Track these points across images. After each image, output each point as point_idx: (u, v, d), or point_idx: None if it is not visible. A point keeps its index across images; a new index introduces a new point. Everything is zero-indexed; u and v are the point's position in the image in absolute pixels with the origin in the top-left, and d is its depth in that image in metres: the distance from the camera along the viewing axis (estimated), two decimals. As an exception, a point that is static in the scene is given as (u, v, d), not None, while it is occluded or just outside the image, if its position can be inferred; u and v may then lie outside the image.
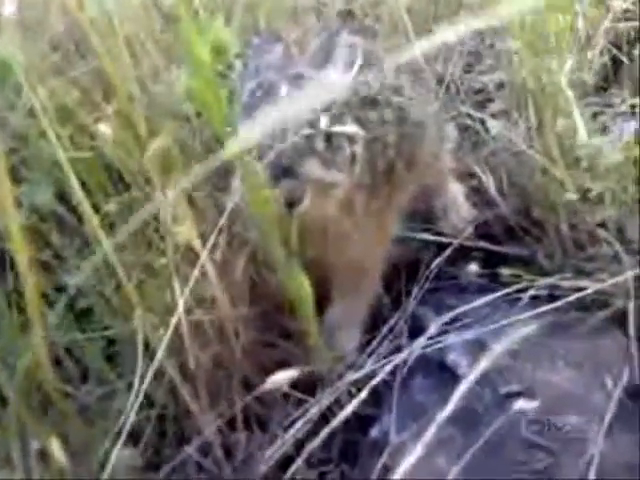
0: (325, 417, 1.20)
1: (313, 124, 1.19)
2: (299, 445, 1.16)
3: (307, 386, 1.28)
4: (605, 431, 1.13)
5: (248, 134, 1.03)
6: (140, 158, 1.05)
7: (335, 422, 1.13)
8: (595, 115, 1.67)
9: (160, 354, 0.97)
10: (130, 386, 1.07)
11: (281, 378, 1.12)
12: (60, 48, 1.20)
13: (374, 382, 1.19)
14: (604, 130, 1.65)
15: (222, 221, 1.07)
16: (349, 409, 1.12)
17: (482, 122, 1.70)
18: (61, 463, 0.93)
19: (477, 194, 1.64)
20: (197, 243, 1.03)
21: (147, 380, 1.02)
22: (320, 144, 1.20)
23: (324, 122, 1.21)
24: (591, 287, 1.32)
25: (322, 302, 1.40)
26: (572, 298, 1.30)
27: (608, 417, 1.15)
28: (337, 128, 1.22)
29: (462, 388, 1.07)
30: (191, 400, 1.09)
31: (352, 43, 1.35)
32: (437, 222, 1.60)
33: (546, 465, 1.11)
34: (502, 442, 1.14)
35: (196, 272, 1.01)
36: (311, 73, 1.27)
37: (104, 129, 1.02)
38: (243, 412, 1.19)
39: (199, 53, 0.90)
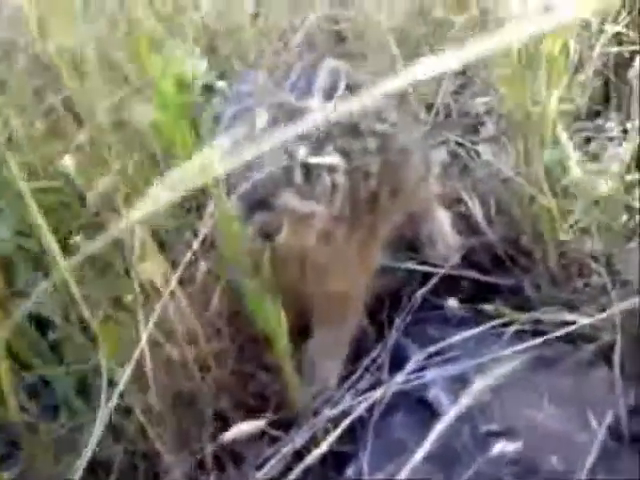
0: (300, 454, 1.17)
1: (291, 154, 1.16)
2: None
3: (282, 422, 1.25)
4: (587, 474, 1.09)
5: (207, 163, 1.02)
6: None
7: (309, 460, 1.10)
8: (588, 140, 1.64)
9: (120, 388, 0.94)
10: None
11: (246, 428, 1.09)
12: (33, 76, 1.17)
13: (350, 419, 1.16)
14: (594, 157, 1.62)
15: (189, 254, 1.04)
16: (323, 447, 1.08)
17: (471, 148, 1.67)
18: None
19: (464, 221, 1.61)
20: (160, 279, 1.00)
21: (109, 414, 0.98)
22: (298, 175, 1.17)
23: (302, 153, 1.18)
24: (578, 321, 1.29)
25: (305, 333, 1.37)
26: (558, 333, 1.27)
27: (590, 460, 1.11)
28: (316, 159, 1.19)
29: (440, 427, 1.03)
30: (157, 439, 1.06)
31: (335, 69, 1.32)
32: (423, 250, 1.56)
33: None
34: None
35: (158, 306, 0.97)
36: (292, 101, 1.25)
37: (68, 162, 0.99)
38: (215, 450, 1.15)
39: (163, 86, 0.87)
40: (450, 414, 1.05)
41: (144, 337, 0.96)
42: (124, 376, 0.94)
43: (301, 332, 1.36)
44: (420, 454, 0.98)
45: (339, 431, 1.10)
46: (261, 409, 1.27)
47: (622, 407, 1.17)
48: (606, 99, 1.81)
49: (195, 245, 1.05)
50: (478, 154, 1.68)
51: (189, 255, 1.03)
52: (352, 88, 1.36)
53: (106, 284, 1.05)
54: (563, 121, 1.54)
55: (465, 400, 1.11)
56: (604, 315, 1.25)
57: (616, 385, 1.20)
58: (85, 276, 1.04)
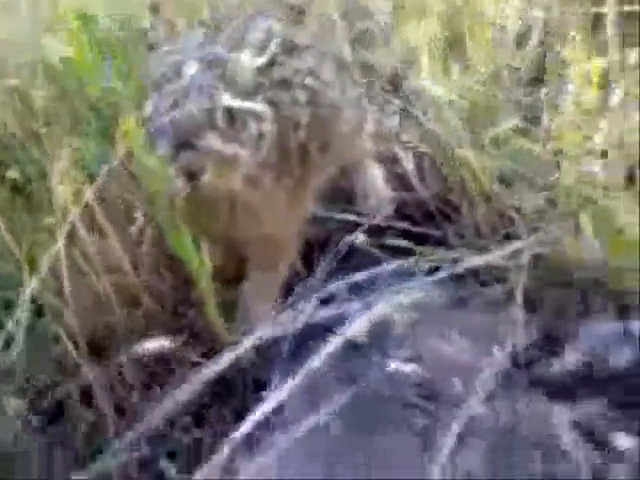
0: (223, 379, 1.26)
1: (214, 98, 1.25)
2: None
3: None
4: (485, 396, 1.18)
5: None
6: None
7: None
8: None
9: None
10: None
11: (152, 346, 1.18)
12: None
13: (263, 344, 1.24)
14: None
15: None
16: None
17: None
18: None
19: (398, 177, 1.69)
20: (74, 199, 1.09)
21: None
22: (221, 119, 1.25)
23: (226, 98, 1.27)
24: (488, 259, 1.37)
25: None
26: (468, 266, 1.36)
27: (489, 384, 1.19)
28: (239, 104, 1.27)
29: (340, 339, 1.12)
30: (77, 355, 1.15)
31: (268, 28, 1.41)
32: (356, 202, 1.65)
33: (423, 424, 1.16)
34: (384, 401, 1.18)
35: (68, 221, 1.05)
36: (223, 54, 1.33)
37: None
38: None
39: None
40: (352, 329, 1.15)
41: (62, 251, 1.04)
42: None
43: (239, 272, 1.44)
44: (316, 363, 1.07)
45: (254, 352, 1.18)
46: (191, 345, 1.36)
47: (520, 339, 1.25)
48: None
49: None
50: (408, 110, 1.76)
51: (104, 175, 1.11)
52: (287, 46, 1.45)
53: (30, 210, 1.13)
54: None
55: (368, 317, 1.20)
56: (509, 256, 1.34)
57: (518, 320, 1.27)
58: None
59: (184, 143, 1.22)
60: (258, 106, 1.32)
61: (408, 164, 1.68)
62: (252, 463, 1.13)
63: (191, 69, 1.29)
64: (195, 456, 1.16)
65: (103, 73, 1.08)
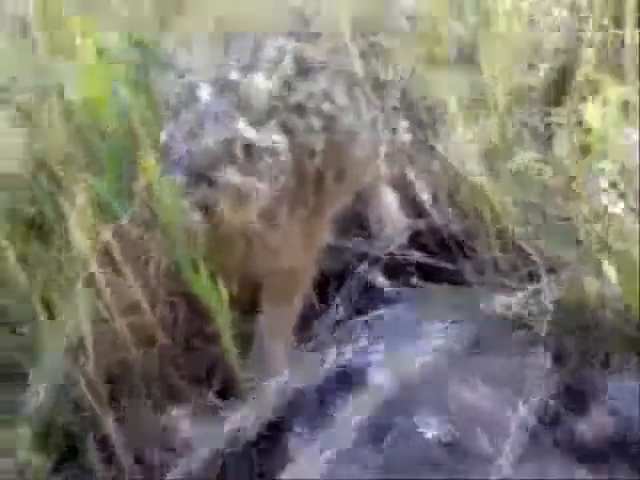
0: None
1: (232, 130, 1.20)
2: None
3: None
4: (512, 453, 1.17)
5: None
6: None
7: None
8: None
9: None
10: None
11: (177, 414, 1.14)
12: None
13: (290, 393, 1.22)
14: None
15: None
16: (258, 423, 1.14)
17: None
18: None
19: (412, 202, 1.66)
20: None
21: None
22: (239, 151, 1.20)
23: (242, 128, 1.22)
24: (511, 303, 1.36)
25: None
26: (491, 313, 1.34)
27: (515, 439, 1.18)
28: (258, 136, 1.23)
29: (372, 403, 1.10)
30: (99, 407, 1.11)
31: (280, 46, 1.35)
32: (370, 230, 1.61)
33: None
34: (410, 462, 1.16)
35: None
36: (236, 78, 1.28)
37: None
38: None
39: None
40: (384, 391, 1.12)
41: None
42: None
43: (254, 302, 1.41)
44: (353, 425, 1.05)
45: (278, 404, 1.15)
46: (207, 381, 1.33)
47: (545, 390, 1.24)
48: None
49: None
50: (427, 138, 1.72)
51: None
52: (301, 66, 1.39)
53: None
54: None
55: (401, 379, 1.18)
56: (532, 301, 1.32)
57: (544, 368, 1.26)
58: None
59: (200, 176, 1.18)
60: (274, 137, 1.27)
61: (422, 190, 1.65)
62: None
63: (205, 93, 1.24)
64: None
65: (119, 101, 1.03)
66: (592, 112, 1.65)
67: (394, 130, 1.72)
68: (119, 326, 1.21)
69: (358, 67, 1.63)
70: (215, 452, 1.20)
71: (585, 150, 1.61)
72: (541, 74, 1.76)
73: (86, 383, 1.14)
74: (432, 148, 1.63)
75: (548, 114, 1.75)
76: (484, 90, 1.60)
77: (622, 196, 1.45)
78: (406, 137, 1.71)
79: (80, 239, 1.11)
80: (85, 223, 1.13)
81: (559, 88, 1.82)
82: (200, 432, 1.18)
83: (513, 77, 1.68)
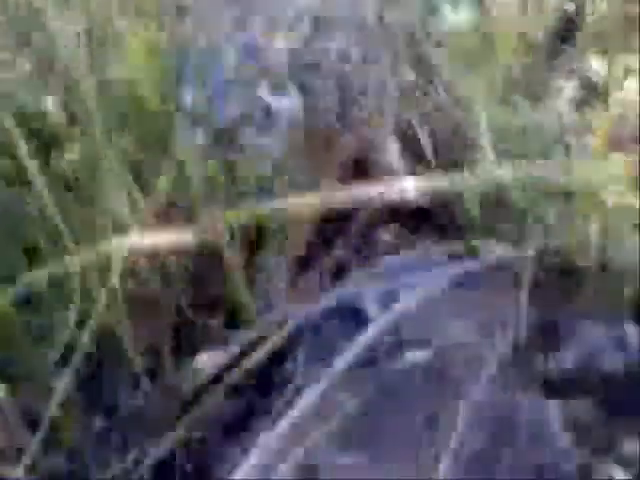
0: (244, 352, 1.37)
1: (253, 93, 1.31)
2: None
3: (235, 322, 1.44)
4: (486, 381, 1.30)
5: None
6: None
7: (252, 359, 1.30)
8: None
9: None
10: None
11: (207, 359, 1.28)
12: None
13: (292, 323, 1.35)
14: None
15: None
16: (266, 348, 1.27)
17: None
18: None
19: (414, 151, 1.76)
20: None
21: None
22: (259, 112, 1.31)
23: (265, 90, 1.32)
24: (497, 251, 1.47)
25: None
26: (481, 260, 1.46)
27: (490, 370, 1.31)
28: (277, 98, 1.33)
29: (366, 334, 1.24)
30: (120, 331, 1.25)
31: (298, 6, 1.45)
32: (374, 178, 1.72)
33: (430, 407, 1.29)
34: (395, 385, 1.30)
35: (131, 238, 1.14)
36: (257, 41, 1.37)
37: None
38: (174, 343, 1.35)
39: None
40: (374, 325, 1.25)
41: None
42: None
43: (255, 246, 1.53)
44: (345, 358, 1.19)
45: (281, 335, 1.29)
46: (215, 310, 1.47)
47: (522, 327, 1.36)
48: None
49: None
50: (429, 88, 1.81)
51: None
52: (317, 24, 1.49)
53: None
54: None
55: (390, 315, 1.31)
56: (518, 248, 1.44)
57: (521, 308, 1.39)
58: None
59: (221, 137, 1.29)
60: (293, 100, 1.37)
61: (424, 138, 1.75)
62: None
63: (227, 57, 1.34)
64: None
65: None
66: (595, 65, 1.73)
67: (400, 79, 1.82)
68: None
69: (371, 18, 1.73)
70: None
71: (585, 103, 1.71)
72: (546, 23, 1.84)
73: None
74: (436, 95, 1.73)
75: (551, 65, 1.83)
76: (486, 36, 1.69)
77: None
78: (411, 85, 1.82)
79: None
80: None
81: (563, 39, 1.90)
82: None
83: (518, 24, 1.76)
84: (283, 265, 1.51)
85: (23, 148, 1.10)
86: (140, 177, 1.26)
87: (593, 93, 1.76)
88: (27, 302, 1.27)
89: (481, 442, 1.21)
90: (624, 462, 1.13)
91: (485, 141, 1.58)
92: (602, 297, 1.40)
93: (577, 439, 1.19)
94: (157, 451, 1.19)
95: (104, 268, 1.12)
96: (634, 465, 1.12)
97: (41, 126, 1.22)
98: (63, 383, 1.11)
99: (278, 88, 1.34)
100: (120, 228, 1.17)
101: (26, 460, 0.99)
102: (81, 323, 1.15)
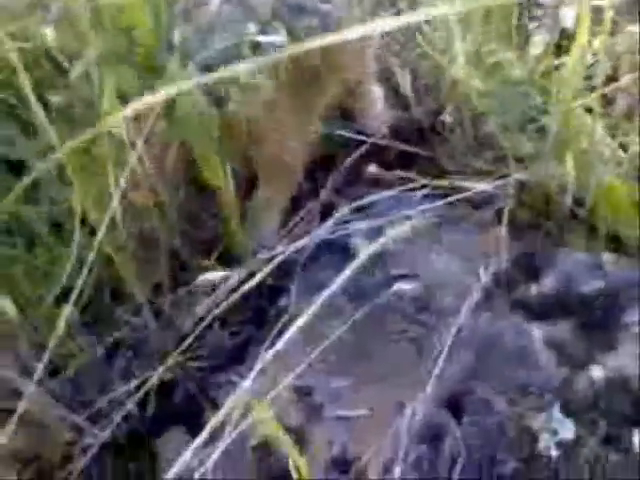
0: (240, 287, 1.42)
1: (241, 32, 1.34)
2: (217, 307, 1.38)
3: (228, 261, 1.49)
4: (470, 309, 1.37)
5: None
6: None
7: (247, 288, 1.35)
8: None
9: (101, 234, 1.14)
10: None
11: (212, 277, 1.33)
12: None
13: (281, 258, 1.40)
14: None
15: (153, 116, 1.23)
16: (257, 278, 1.32)
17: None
18: (12, 317, 1.12)
19: (394, 95, 1.81)
20: (125, 134, 1.20)
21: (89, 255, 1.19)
22: (247, 51, 1.35)
23: (252, 29, 1.36)
24: (478, 187, 1.53)
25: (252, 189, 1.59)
26: (461, 196, 1.52)
27: (474, 298, 1.38)
28: (264, 38, 1.37)
29: (353, 266, 1.29)
30: (122, 266, 1.29)
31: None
32: (357, 120, 1.77)
33: (419, 334, 1.35)
34: (385, 314, 1.36)
35: (131, 160, 1.17)
36: None
37: (49, 33, 1.15)
38: (171, 281, 1.40)
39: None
40: (361, 256, 1.31)
41: (117, 187, 1.16)
42: (103, 222, 1.14)
43: (250, 187, 1.58)
44: (334, 286, 1.24)
45: (271, 267, 1.34)
46: (209, 249, 1.52)
47: (504, 259, 1.43)
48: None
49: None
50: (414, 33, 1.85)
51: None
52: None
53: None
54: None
55: (375, 246, 1.36)
56: (497, 183, 1.50)
57: (502, 240, 1.45)
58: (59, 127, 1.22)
59: (213, 72, 1.32)
60: (279, 38, 1.41)
61: (405, 82, 1.80)
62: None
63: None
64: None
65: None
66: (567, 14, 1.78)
67: (382, 23, 1.85)
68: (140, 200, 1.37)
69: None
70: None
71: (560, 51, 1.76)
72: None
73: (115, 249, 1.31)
74: (416, 41, 1.77)
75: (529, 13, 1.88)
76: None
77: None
78: (392, 30, 1.86)
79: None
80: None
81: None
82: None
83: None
84: (275, 204, 1.56)
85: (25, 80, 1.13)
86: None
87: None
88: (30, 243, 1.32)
89: (468, 360, 1.28)
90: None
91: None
92: (580, 229, 1.47)
93: (557, 357, 1.26)
94: (158, 375, 1.23)
95: (103, 201, 1.16)
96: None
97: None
98: (65, 313, 1.14)
99: (264, 26, 1.38)
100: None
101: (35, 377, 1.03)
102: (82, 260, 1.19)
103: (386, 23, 0.86)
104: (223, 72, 1.29)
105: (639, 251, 1.41)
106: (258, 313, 1.44)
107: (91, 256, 1.11)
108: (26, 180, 1.21)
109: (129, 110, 0.96)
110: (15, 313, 1.14)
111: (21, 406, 1.00)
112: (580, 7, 1.65)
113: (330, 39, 0.82)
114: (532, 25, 1.87)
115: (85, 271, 1.11)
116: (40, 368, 1.02)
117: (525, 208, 1.53)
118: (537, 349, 1.28)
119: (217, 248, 1.52)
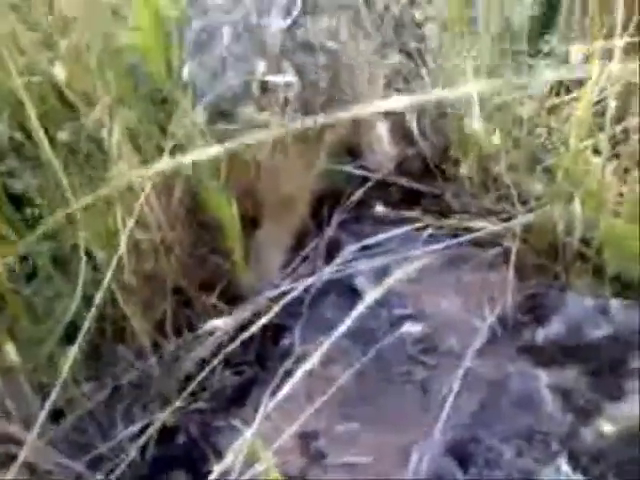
0: (244, 326, 1.40)
1: (251, 70, 1.34)
2: (221, 348, 1.36)
3: (232, 298, 1.48)
4: (476, 351, 1.35)
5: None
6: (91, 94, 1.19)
7: (253, 329, 1.34)
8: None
9: (109, 274, 1.13)
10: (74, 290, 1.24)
11: (218, 323, 1.32)
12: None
13: (288, 298, 1.39)
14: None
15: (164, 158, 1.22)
16: (263, 320, 1.31)
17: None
18: (13, 360, 1.11)
19: (400, 131, 1.80)
20: (136, 176, 1.19)
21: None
22: (256, 90, 1.35)
23: (261, 68, 1.36)
24: (485, 229, 1.52)
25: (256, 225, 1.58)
26: (468, 237, 1.52)
27: (480, 340, 1.37)
28: (273, 77, 1.37)
29: (360, 308, 1.27)
30: (126, 305, 1.28)
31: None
32: (362, 156, 1.76)
33: (423, 377, 1.34)
34: (390, 356, 1.35)
35: (137, 204, 1.16)
36: (253, 20, 1.41)
37: (58, 71, 1.15)
38: (174, 319, 1.39)
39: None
40: (368, 298, 1.29)
41: (128, 224, 1.15)
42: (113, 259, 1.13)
43: (253, 225, 1.57)
44: (341, 329, 1.22)
45: (278, 308, 1.33)
46: (212, 287, 1.51)
47: (510, 301, 1.42)
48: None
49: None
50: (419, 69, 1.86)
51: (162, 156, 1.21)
52: (308, 6, 1.52)
53: (88, 176, 1.23)
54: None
55: (382, 288, 1.35)
56: (505, 225, 1.49)
57: (508, 283, 1.44)
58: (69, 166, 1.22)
59: (221, 112, 1.32)
60: (287, 77, 1.41)
61: (411, 119, 1.80)
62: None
63: (225, 36, 1.37)
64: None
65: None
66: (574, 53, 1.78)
67: (388, 62, 1.86)
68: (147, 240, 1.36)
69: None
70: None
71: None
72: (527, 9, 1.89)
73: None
74: (421, 77, 1.78)
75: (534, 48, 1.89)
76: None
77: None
78: (397, 68, 1.86)
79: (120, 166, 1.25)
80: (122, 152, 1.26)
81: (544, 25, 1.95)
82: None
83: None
84: (279, 241, 1.56)
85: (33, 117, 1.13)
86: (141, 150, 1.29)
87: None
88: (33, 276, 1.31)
89: (474, 406, 1.26)
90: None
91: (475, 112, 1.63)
92: (586, 273, 1.46)
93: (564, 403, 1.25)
94: (161, 419, 1.22)
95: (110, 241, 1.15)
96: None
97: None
98: (68, 356, 1.13)
99: (273, 64, 1.38)
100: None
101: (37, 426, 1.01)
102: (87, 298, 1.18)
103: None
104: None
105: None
106: (262, 353, 1.43)
107: (98, 297, 1.10)
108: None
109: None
110: (17, 358, 1.12)
111: (21, 455, 0.98)
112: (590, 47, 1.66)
113: (347, 115, 0.80)
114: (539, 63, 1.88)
115: (92, 311, 1.10)
116: (42, 417, 1.00)
117: (532, 249, 1.52)
118: (543, 395, 1.27)
119: (220, 284, 1.51)
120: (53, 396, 1.01)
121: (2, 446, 1.06)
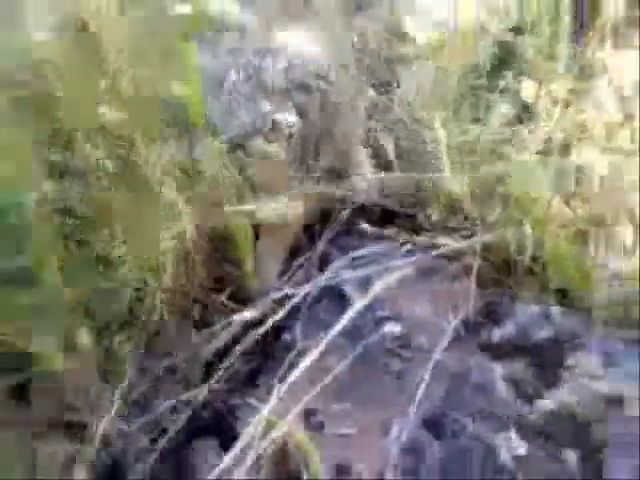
0: (251, 324, 1.69)
1: (259, 111, 1.64)
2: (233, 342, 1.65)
3: (241, 300, 1.76)
4: (443, 348, 1.66)
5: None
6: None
7: (267, 325, 1.62)
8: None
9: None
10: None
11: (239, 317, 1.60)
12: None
13: (293, 301, 1.67)
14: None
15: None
16: (276, 317, 1.60)
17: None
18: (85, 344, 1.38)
19: (380, 158, 2.10)
20: (180, 201, 1.47)
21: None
22: (267, 126, 1.64)
23: (267, 108, 1.66)
24: (451, 246, 1.83)
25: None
26: (438, 252, 1.82)
27: (446, 339, 1.67)
28: (279, 116, 1.66)
29: (351, 312, 1.57)
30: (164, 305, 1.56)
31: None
32: (348, 181, 2.06)
33: (400, 368, 1.63)
34: (373, 351, 1.65)
35: (186, 227, 1.44)
36: (256, 63, 1.71)
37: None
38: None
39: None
40: (358, 303, 1.59)
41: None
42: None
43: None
44: (337, 328, 1.52)
45: (286, 309, 1.62)
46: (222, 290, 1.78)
47: (471, 307, 1.72)
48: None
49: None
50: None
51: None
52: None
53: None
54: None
55: (369, 295, 1.64)
56: (468, 243, 1.80)
57: (470, 292, 1.75)
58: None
59: (237, 144, 1.61)
60: (291, 117, 1.71)
61: (389, 150, 2.10)
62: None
63: (233, 77, 1.66)
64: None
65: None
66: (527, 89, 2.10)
67: (367, 99, 2.16)
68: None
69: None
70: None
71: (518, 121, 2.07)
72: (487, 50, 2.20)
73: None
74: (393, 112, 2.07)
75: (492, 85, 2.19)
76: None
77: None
78: (375, 103, 2.16)
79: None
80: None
81: (502, 64, 2.26)
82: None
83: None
84: (276, 254, 1.84)
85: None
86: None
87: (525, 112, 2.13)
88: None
89: (441, 392, 1.56)
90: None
91: (443, 154, 1.94)
92: (534, 285, 1.77)
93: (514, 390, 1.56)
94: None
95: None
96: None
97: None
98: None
99: (278, 104, 1.68)
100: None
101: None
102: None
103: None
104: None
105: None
106: (264, 346, 1.71)
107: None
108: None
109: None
110: (89, 341, 1.39)
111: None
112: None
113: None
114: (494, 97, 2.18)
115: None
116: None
117: (490, 264, 1.83)
118: (498, 384, 1.58)
119: (230, 288, 1.79)
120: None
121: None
